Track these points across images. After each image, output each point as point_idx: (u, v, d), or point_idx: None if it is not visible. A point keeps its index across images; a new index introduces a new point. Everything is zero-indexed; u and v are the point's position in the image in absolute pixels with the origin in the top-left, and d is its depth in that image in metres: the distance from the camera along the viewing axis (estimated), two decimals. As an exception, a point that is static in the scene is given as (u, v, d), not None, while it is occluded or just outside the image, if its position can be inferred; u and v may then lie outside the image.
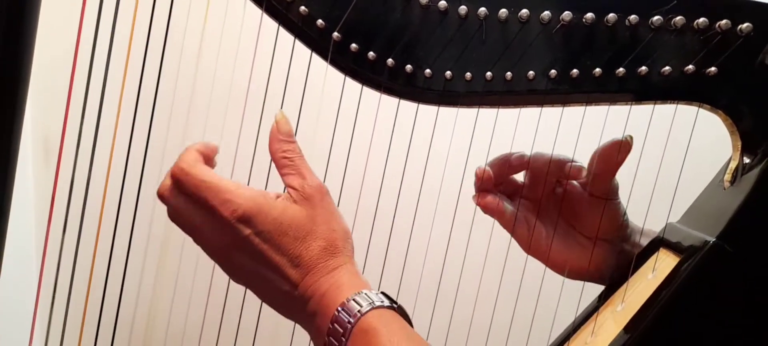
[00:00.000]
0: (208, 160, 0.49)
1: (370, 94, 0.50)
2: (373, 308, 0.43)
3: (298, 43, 0.49)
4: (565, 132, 0.56)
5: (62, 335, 0.53)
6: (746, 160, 0.49)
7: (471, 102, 0.50)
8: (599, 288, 0.59)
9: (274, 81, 0.52)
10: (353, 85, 0.50)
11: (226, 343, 0.63)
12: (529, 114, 0.52)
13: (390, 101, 0.51)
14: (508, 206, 0.59)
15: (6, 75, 0.48)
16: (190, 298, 0.66)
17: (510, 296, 0.60)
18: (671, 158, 0.56)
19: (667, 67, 0.48)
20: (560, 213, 0.60)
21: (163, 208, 0.48)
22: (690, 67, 0.48)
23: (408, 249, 0.59)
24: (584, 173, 0.56)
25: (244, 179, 0.55)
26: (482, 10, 0.47)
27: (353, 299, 0.43)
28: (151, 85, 0.50)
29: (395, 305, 0.45)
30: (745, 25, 0.46)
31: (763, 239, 0.47)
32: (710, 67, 0.47)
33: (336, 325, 0.42)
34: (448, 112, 0.51)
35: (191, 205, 0.45)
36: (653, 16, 0.47)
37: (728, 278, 0.47)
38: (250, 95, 0.52)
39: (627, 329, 0.49)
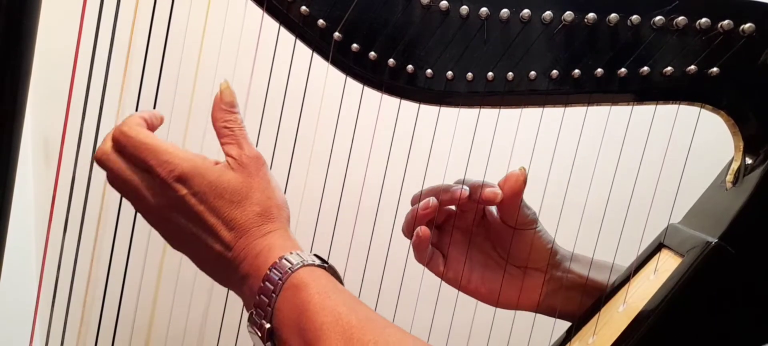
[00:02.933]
0: (152, 127, 0.49)
1: (372, 95, 0.50)
2: (303, 265, 0.43)
3: (299, 43, 0.49)
4: (566, 133, 0.56)
5: (63, 336, 0.53)
6: (748, 160, 0.49)
7: (472, 102, 0.50)
8: (600, 289, 0.59)
9: (275, 81, 0.52)
10: (354, 86, 0.50)
11: (226, 343, 0.63)
12: (530, 114, 0.52)
13: (391, 101, 0.51)
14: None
15: (7, 75, 0.48)
16: (191, 298, 0.66)
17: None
18: (673, 159, 0.56)
19: (668, 68, 0.48)
20: (488, 243, 0.60)
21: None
22: (692, 67, 0.47)
23: (408, 250, 0.59)
24: (499, 199, 0.56)
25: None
26: (484, 10, 0.47)
27: (285, 258, 0.44)
28: (151, 84, 0.50)
29: (326, 265, 0.45)
30: (748, 25, 0.46)
31: (765, 240, 0.47)
32: (712, 67, 0.47)
33: (267, 283, 0.43)
34: (449, 113, 0.51)
35: (131, 166, 0.46)
36: (655, 16, 0.47)
37: (730, 279, 0.47)
38: (251, 95, 0.52)
39: (629, 330, 0.49)
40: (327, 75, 0.48)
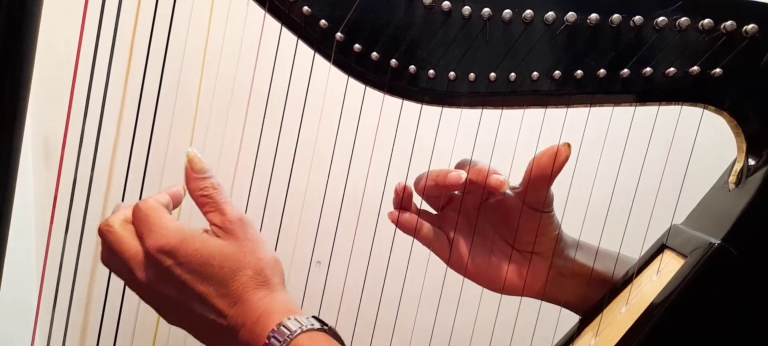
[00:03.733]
0: (176, 202, 0.50)
1: (374, 95, 0.50)
2: (303, 331, 0.43)
3: (301, 43, 0.48)
4: (568, 133, 0.55)
5: (64, 337, 0.53)
6: (751, 162, 0.49)
7: (474, 103, 0.50)
8: (603, 290, 0.58)
9: (277, 81, 0.52)
10: (356, 86, 0.50)
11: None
12: (533, 115, 0.52)
13: (393, 102, 0.50)
14: (426, 225, 0.59)
15: (7, 76, 0.47)
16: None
17: (514, 297, 0.60)
18: (675, 160, 0.56)
19: (671, 69, 0.48)
20: (493, 226, 0.59)
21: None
22: (695, 68, 0.47)
23: (411, 249, 0.59)
24: (505, 187, 0.55)
25: (247, 179, 0.55)
26: (486, 10, 0.47)
27: (283, 325, 0.43)
28: (153, 85, 0.50)
29: (326, 327, 0.45)
30: (751, 26, 0.46)
31: (768, 241, 0.47)
32: (715, 68, 0.47)
33: None
34: (451, 113, 0.51)
35: (128, 239, 0.47)
36: (658, 16, 0.47)
37: (733, 281, 0.47)
38: (253, 96, 0.52)
39: (631, 331, 0.49)
40: (329, 75, 0.48)
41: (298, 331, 0.43)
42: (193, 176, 0.48)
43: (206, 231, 0.47)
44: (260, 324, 0.44)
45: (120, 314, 0.53)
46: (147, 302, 0.48)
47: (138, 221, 0.47)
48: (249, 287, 0.45)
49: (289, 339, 0.42)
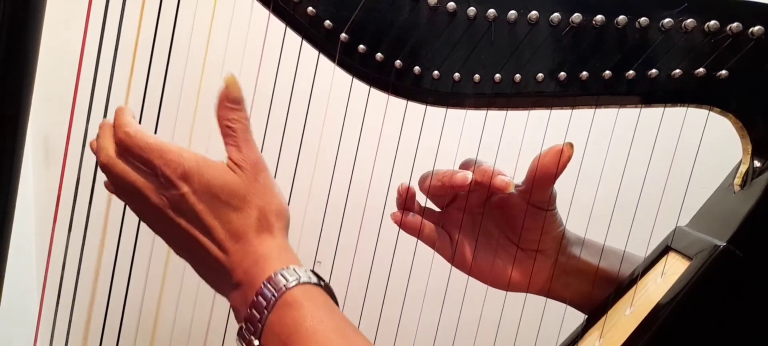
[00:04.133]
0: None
1: (378, 96, 0.50)
2: (299, 284, 0.43)
3: (305, 44, 0.48)
4: (573, 134, 0.55)
5: (67, 336, 0.53)
6: (756, 163, 0.49)
7: (479, 104, 0.50)
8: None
9: (281, 82, 0.52)
10: (361, 87, 0.50)
11: (231, 343, 0.62)
12: (537, 116, 0.52)
13: (398, 103, 0.50)
14: (428, 225, 0.59)
15: (10, 75, 0.47)
16: (196, 297, 0.66)
17: (518, 297, 0.60)
18: (681, 161, 0.56)
19: (677, 70, 0.47)
20: (496, 225, 0.59)
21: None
22: (700, 70, 0.47)
23: (415, 249, 0.59)
24: (511, 189, 0.54)
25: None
26: (491, 11, 0.47)
27: (280, 274, 0.43)
28: (156, 85, 0.50)
29: (322, 283, 0.45)
30: (757, 28, 0.46)
31: (773, 243, 0.47)
32: (721, 70, 0.47)
33: (260, 297, 0.42)
34: (456, 114, 0.51)
35: (135, 169, 0.46)
36: (663, 18, 0.47)
37: (738, 283, 0.47)
38: (257, 96, 0.52)
39: (636, 333, 0.49)
40: (333, 76, 0.48)
41: (294, 283, 0.42)
42: (226, 103, 0.47)
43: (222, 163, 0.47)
44: (257, 267, 0.44)
45: (123, 312, 0.53)
46: (154, 229, 0.47)
47: (141, 151, 0.45)
48: (252, 227, 0.45)
49: (284, 289, 0.42)
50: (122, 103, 0.49)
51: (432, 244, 0.59)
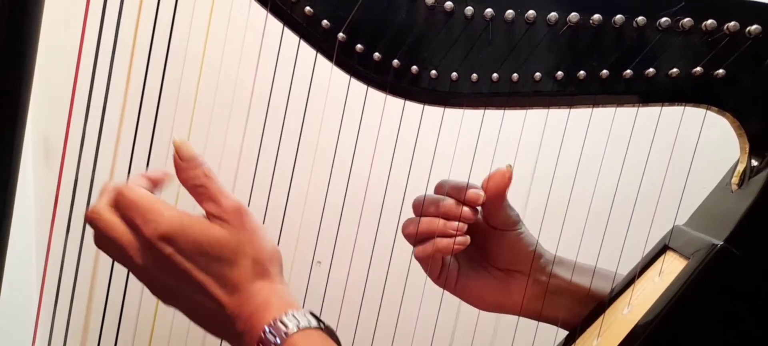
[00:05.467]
0: (156, 184, 0.49)
1: (376, 96, 0.50)
2: (299, 329, 0.43)
3: (303, 43, 0.48)
4: (571, 133, 0.55)
5: (65, 334, 0.53)
6: (754, 162, 0.49)
7: (477, 103, 0.50)
8: (605, 290, 0.58)
9: (279, 81, 0.52)
10: (358, 86, 0.50)
11: (229, 344, 0.62)
12: (535, 115, 0.52)
13: (395, 102, 0.50)
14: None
15: (9, 75, 0.47)
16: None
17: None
18: (678, 160, 0.55)
19: (674, 69, 0.47)
20: (475, 246, 0.59)
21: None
22: (698, 69, 0.47)
23: (413, 250, 0.59)
24: (482, 200, 0.55)
25: (248, 180, 0.55)
26: (488, 11, 0.47)
27: (280, 320, 0.43)
28: (154, 85, 0.50)
29: (322, 325, 0.45)
30: (754, 27, 0.46)
31: (771, 242, 0.47)
32: (718, 69, 0.47)
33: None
34: (453, 114, 0.51)
35: (120, 225, 0.45)
36: (661, 17, 0.47)
37: (735, 282, 0.47)
38: (255, 96, 0.52)
39: (633, 332, 0.49)
40: (331, 76, 0.48)
41: (295, 329, 0.43)
42: (183, 165, 0.46)
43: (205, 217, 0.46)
44: (257, 316, 0.44)
45: (120, 317, 0.53)
46: (144, 283, 0.47)
47: (127, 208, 0.45)
48: (247, 277, 0.45)
49: (285, 336, 0.42)
50: (120, 104, 0.49)
51: (425, 259, 0.59)
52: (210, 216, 0.46)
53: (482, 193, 0.55)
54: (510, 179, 0.55)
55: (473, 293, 0.60)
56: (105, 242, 0.46)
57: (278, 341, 0.42)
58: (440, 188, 0.58)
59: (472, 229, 0.58)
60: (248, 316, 0.44)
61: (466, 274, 0.60)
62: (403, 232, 0.58)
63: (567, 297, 0.58)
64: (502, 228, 0.58)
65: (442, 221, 0.55)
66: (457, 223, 0.55)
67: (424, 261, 0.58)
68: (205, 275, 0.44)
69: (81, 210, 0.50)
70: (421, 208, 0.57)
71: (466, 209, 0.55)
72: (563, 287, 0.59)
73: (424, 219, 0.56)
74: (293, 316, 0.44)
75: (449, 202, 0.55)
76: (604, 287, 0.58)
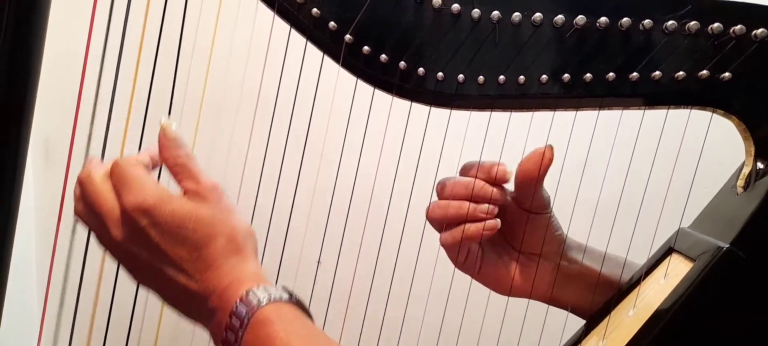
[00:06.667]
0: (156, 165, 0.49)
1: (382, 97, 0.50)
2: (270, 302, 0.43)
3: (309, 45, 0.48)
4: (577, 135, 0.55)
5: (71, 338, 0.53)
6: (760, 165, 0.49)
7: (483, 105, 0.50)
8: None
9: (285, 83, 0.52)
10: (365, 88, 0.50)
11: None
12: (541, 117, 0.52)
13: (402, 104, 0.50)
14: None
15: (15, 75, 0.47)
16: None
17: (521, 299, 0.60)
18: (684, 163, 0.56)
19: (680, 72, 0.48)
20: (500, 230, 0.58)
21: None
22: (704, 72, 0.47)
23: (419, 251, 0.59)
24: (510, 177, 0.54)
25: (255, 180, 0.55)
26: (495, 13, 0.47)
27: (252, 291, 0.43)
28: (160, 86, 0.50)
29: (294, 298, 0.45)
30: (760, 30, 0.46)
31: (777, 245, 0.47)
32: (724, 72, 0.47)
33: (234, 318, 0.42)
34: (460, 116, 0.51)
35: (106, 193, 0.45)
36: (667, 20, 0.47)
37: (741, 285, 0.47)
38: (262, 98, 0.52)
39: (638, 334, 0.49)
40: (338, 77, 0.48)
41: (266, 301, 0.43)
42: (167, 144, 0.47)
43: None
44: (230, 291, 0.44)
45: (131, 321, 0.53)
46: (117, 259, 0.47)
47: (116, 177, 0.45)
48: (221, 254, 0.45)
49: (256, 308, 0.42)
50: (125, 106, 0.49)
51: (453, 245, 0.58)
52: (188, 193, 0.46)
53: (510, 170, 0.54)
54: (550, 160, 0.53)
55: (497, 278, 0.59)
56: (86, 209, 0.46)
57: (249, 312, 0.42)
58: (467, 170, 0.57)
59: (502, 213, 0.58)
60: (221, 292, 0.44)
61: (490, 259, 0.59)
62: (428, 217, 0.57)
63: (592, 286, 0.57)
64: (535, 211, 0.57)
65: (471, 205, 0.55)
66: (486, 206, 0.55)
67: (452, 248, 0.57)
68: (180, 249, 0.44)
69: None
70: (448, 190, 0.56)
71: (495, 189, 0.55)
72: (590, 277, 0.58)
73: (452, 203, 0.55)
74: (264, 289, 0.43)
75: (478, 183, 0.55)
76: (628, 277, 0.57)
